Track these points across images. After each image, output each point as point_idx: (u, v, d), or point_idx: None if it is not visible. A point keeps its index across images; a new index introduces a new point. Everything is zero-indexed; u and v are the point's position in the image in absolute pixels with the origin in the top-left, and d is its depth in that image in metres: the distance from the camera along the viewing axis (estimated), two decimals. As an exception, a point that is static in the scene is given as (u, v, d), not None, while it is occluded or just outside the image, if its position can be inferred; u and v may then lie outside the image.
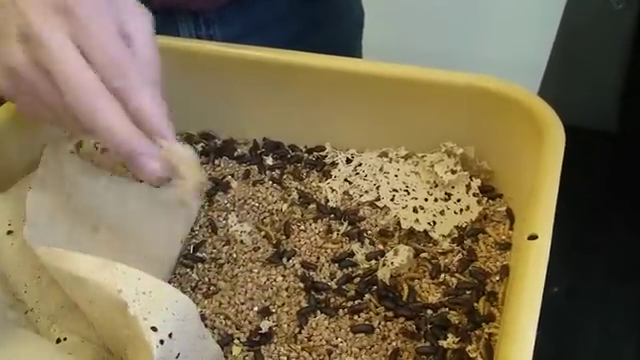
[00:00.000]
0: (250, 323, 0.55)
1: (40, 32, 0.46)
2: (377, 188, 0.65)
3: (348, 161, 0.68)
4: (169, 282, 0.58)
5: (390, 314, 0.54)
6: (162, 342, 0.43)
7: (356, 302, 0.56)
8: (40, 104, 0.48)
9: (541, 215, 0.49)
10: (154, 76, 0.49)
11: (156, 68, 0.50)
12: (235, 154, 0.70)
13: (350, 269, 0.58)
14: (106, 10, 0.47)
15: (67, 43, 0.46)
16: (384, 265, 0.57)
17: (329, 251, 0.60)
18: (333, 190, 0.66)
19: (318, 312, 0.55)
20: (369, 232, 0.62)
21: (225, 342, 0.53)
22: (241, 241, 0.61)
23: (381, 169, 0.67)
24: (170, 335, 0.44)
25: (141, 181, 0.59)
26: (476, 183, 0.64)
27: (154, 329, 0.43)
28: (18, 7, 0.47)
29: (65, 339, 0.53)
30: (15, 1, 0.47)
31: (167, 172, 0.49)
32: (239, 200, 0.65)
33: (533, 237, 0.47)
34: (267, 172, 0.68)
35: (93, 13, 0.47)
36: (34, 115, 0.50)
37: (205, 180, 0.54)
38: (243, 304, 0.56)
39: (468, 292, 0.55)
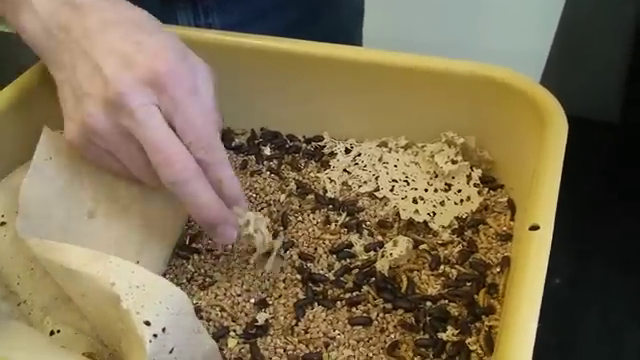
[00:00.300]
0: (246, 315, 0.54)
1: (130, 103, 0.49)
2: (376, 178, 0.64)
3: (347, 151, 0.67)
4: (164, 274, 0.57)
5: (389, 306, 0.53)
6: (155, 336, 0.42)
7: (354, 294, 0.55)
8: (114, 160, 0.52)
9: (543, 205, 0.48)
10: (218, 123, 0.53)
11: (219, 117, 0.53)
12: (232, 144, 0.69)
13: (348, 260, 0.57)
14: (189, 79, 0.51)
15: (157, 115, 0.49)
16: (383, 256, 0.56)
17: (327, 242, 0.59)
18: (332, 180, 0.65)
19: (315, 304, 0.54)
20: (368, 223, 0.61)
21: (221, 334, 0.52)
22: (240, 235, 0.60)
23: (380, 159, 0.66)
24: (164, 329, 0.43)
25: None
26: (477, 173, 0.63)
27: (147, 323, 0.42)
28: (105, 75, 0.49)
29: (59, 331, 0.52)
30: (101, 68, 0.50)
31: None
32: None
33: (535, 227, 0.46)
34: (265, 162, 0.67)
35: (180, 85, 0.50)
36: (101, 164, 0.54)
37: (272, 240, 0.57)
38: (239, 296, 0.55)
39: (468, 284, 0.54)
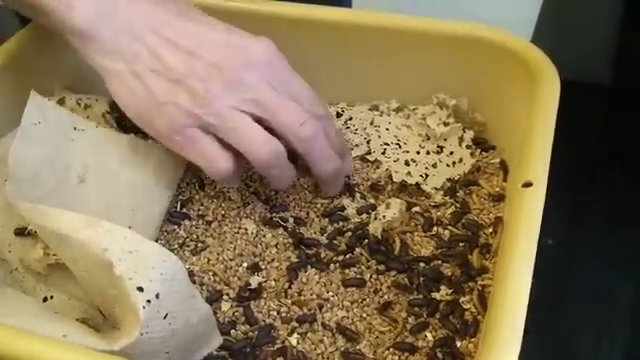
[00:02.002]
0: (239, 279, 0.54)
1: (244, 74, 0.51)
2: (368, 142, 0.64)
3: (338, 115, 0.67)
4: (156, 239, 0.57)
5: (382, 267, 0.53)
6: (149, 302, 0.42)
7: (347, 256, 0.55)
8: (213, 145, 0.52)
9: (535, 162, 0.48)
10: None
11: None
12: (222, 110, 0.68)
13: (341, 223, 0.57)
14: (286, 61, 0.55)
15: (270, 89, 0.52)
16: (375, 219, 0.55)
17: (319, 206, 0.59)
18: (323, 145, 0.64)
19: (308, 267, 0.54)
20: (360, 186, 0.60)
21: (214, 298, 0.52)
22: (229, 198, 0.59)
23: (372, 123, 0.65)
24: (157, 295, 0.43)
25: (127, 133, 0.57)
26: (469, 135, 0.62)
27: (140, 289, 0.42)
28: (210, 61, 0.51)
29: (52, 297, 0.52)
30: (200, 54, 0.51)
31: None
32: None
33: (527, 184, 0.46)
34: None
35: (285, 62, 0.54)
36: (187, 152, 0.53)
37: None
38: (232, 260, 0.55)
39: (461, 244, 0.54)
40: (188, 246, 0.56)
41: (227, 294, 0.53)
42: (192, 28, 0.52)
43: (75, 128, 0.55)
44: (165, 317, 0.43)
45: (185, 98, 0.50)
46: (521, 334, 0.38)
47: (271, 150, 0.52)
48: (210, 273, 0.54)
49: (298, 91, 0.54)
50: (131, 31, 0.51)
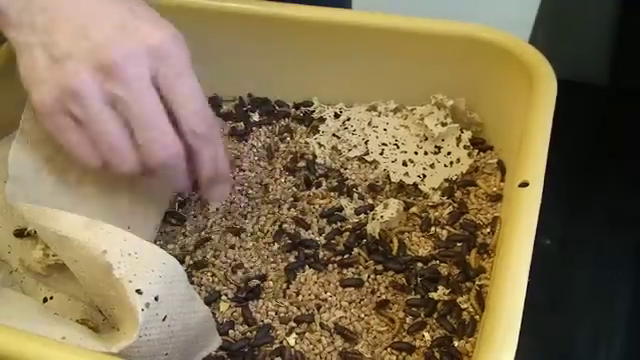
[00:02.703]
0: (237, 279, 0.54)
1: (127, 72, 0.46)
2: (366, 142, 0.64)
3: (336, 116, 0.67)
4: (154, 240, 0.57)
5: (380, 267, 0.54)
6: (148, 305, 0.42)
7: (345, 256, 0.55)
8: (77, 134, 0.48)
9: (532, 162, 0.48)
10: None
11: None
12: (220, 111, 0.69)
13: (339, 224, 0.57)
14: (186, 50, 0.49)
15: (153, 89, 0.47)
16: (374, 219, 0.56)
17: (317, 207, 0.59)
18: (321, 145, 0.64)
19: (307, 267, 0.54)
20: (358, 187, 0.60)
21: (212, 299, 0.52)
22: (227, 199, 0.60)
23: (370, 123, 0.65)
24: (156, 298, 0.43)
25: None
26: (467, 135, 0.62)
27: (139, 292, 0.42)
28: (94, 38, 0.46)
29: (52, 298, 0.52)
30: (88, 29, 0.46)
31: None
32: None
33: (524, 184, 0.46)
34: (254, 128, 0.66)
35: (182, 56, 0.48)
36: (58, 137, 0.49)
37: None
38: (230, 260, 0.55)
39: (459, 244, 0.55)
40: (186, 247, 0.56)
41: (225, 294, 0.53)
42: (93, 3, 0.48)
43: None
44: (164, 319, 0.44)
45: (55, 80, 0.47)
46: (517, 333, 0.39)
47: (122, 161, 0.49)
48: (208, 274, 0.54)
49: (185, 92, 0.48)
50: (36, 3, 0.48)
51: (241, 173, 0.62)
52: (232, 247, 0.56)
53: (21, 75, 0.48)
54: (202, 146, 0.50)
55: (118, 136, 0.47)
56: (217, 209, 0.59)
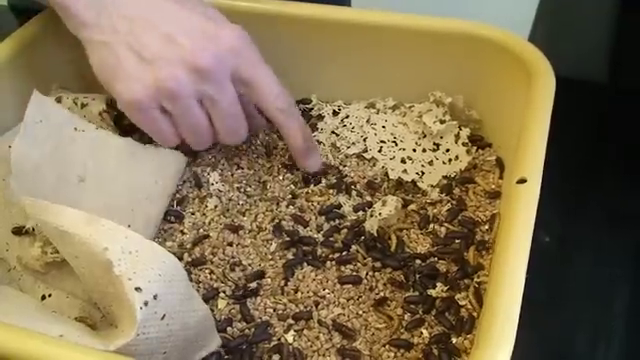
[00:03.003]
0: (235, 277, 0.54)
1: (218, 74, 0.54)
2: (364, 140, 0.64)
3: (335, 113, 0.67)
4: (154, 238, 0.57)
5: (378, 265, 0.53)
6: (146, 304, 0.42)
7: (343, 253, 0.55)
8: (168, 125, 0.56)
9: (529, 159, 0.48)
10: None
11: None
12: (219, 109, 0.69)
13: (337, 221, 0.57)
14: (258, 50, 0.57)
15: (231, 83, 0.55)
16: (372, 216, 0.56)
17: (315, 204, 0.59)
18: (320, 143, 0.64)
19: (305, 264, 0.54)
20: (357, 184, 0.60)
21: (210, 295, 0.52)
22: (225, 196, 0.60)
23: (368, 120, 0.65)
24: (155, 296, 0.43)
25: (126, 136, 0.58)
26: (465, 132, 0.62)
27: (138, 290, 0.42)
28: (182, 44, 0.53)
29: (50, 295, 0.52)
30: (174, 36, 0.53)
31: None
32: (221, 155, 0.63)
33: (522, 181, 0.46)
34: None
35: (256, 51, 0.56)
36: (150, 129, 0.56)
37: None
38: (228, 258, 0.55)
39: (457, 241, 0.55)
40: (184, 244, 0.56)
41: (224, 292, 0.53)
42: (173, 11, 0.55)
43: (76, 129, 0.56)
44: (163, 318, 0.43)
45: (150, 78, 0.53)
46: (515, 329, 0.39)
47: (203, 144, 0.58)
48: (206, 271, 0.54)
49: (264, 79, 0.56)
50: (114, 8, 0.54)
51: (239, 171, 0.62)
52: (230, 244, 0.56)
53: (96, 70, 0.54)
54: (289, 120, 0.58)
55: (204, 126, 0.56)
56: (215, 206, 0.59)
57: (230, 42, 0.54)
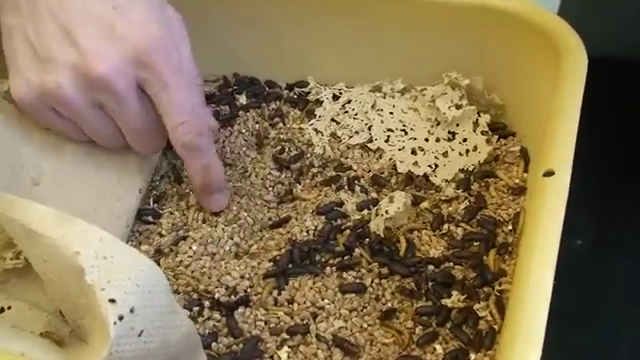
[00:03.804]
0: (221, 285, 0.54)
1: (114, 85, 0.52)
2: (369, 128, 0.64)
3: (335, 98, 0.67)
4: (127, 240, 0.57)
5: (385, 271, 0.54)
6: (121, 318, 0.42)
7: (345, 258, 0.55)
8: (70, 125, 0.55)
9: (558, 148, 0.48)
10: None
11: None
12: (202, 93, 0.69)
13: (338, 221, 0.58)
14: (175, 51, 0.54)
15: (139, 97, 0.54)
16: (378, 215, 0.56)
17: (313, 201, 0.60)
18: (318, 132, 0.65)
19: (301, 270, 0.54)
20: (360, 179, 0.61)
21: (192, 306, 0.53)
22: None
23: (373, 106, 0.66)
24: (132, 309, 0.43)
25: None
26: (485, 119, 0.63)
27: (113, 301, 0.42)
28: (79, 44, 0.51)
29: (9, 308, 0.52)
30: (74, 35, 0.52)
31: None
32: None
33: (549, 173, 0.46)
34: (240, 113, 0.67)
35: (168, 62, 0.53)
36: (51, 126, 0.56)
37: None
38: (213, 263, 0.55)
39: (476, 244, 0.55)
40: (162, 248, 0.57)
41: (208, 302, 0.53)
42: (82, 3, 0.53)
43: (26, 125, 0.56)
44: (140, 334, 0.43)
45: (37, 80, 0.52)
46: (541, 343, 0.39)
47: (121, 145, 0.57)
48: (188, 277, 0.54)
49: (170, 100, 0.54)
50: None
51: (226, 164, 0.62)
52: (215, 248, 0.56)
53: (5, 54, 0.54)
54: (190, 157, 0.56)
55: (109, 133, 0.56)
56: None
57: (137, 47, 0.52)
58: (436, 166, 0.60)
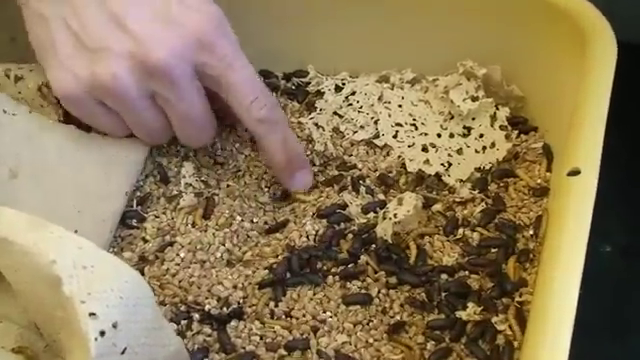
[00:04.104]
0: (212, 295, 0.54)
1: (172, 72, 0.53)
2: (375, 122, 0.64)
3: (338, 89, 0.68)
4: (108, 246, 0.58)
5: (393, 280, 0.54)
6: (103, 334, 0.42)
7: (349, 266, 0.55)
8: (114, 120, 0.57)
9: (585, 145, 0.48)
10: None
11: None
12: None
13: (341, 225, 0.58)
14: (232, 31, 0.56)
15: (198, 86, 0.56)
16: (385, 219, 0.56)
17: (314, 203, 0.60)
18: (319, 127, 0.65)
19: (300, 280, 0.55)
20: (366, 178, 0.61)
21: (180, 319, 0.53)
22: (205, 198, 0.60)
23: (380, 98, 0.66)
24: (114, 325, 0.43)
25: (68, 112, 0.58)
26: (503, 113, 0.63)
27: (93, 316, 0.42)
28: (132, 30, 0.53)
29: (-23, 321, 0.52)
30: (123, 19, 0.53)
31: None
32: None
33: (575, 173, 0.47)
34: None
35: (230, 42, 0.55)
36: (91, 122, 0.58)
37: None
38: (202, 271, 0.56)
39: (493, 251, 0.55)
40: (147, 255, 0.57)
41: (197, 314, 0.53)
42: None
43: (5, 111, 0.56)
44: (123, 352, 0.44)
45: (85, 71, 0.53)
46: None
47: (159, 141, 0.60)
48: (175, 288, 0.55)
49: (238, 78, 0.56)
50: None
51: (217, 162, 0.63)
52: (204, 255, 0.57)
53: (34, 49, 0.56)
54: (267, 132, 0.58)
55: (157, 127, 0.57)
56: (186, 207, 0.59)
57: (196, 32, 0.54)
58: (449, 165, 0.61)
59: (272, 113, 0.58)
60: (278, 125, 0.59)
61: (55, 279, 0.43)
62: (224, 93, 0.56)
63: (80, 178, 0.57)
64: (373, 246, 0.56)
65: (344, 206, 0.59)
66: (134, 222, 0.59)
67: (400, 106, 0.65)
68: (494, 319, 0.51)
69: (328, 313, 0.53)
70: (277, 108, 0.59)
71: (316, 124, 0.65)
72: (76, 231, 0.54)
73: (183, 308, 0.54)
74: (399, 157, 0.62)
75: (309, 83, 0.68)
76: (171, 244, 0.57)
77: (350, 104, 0.66)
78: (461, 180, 0.60)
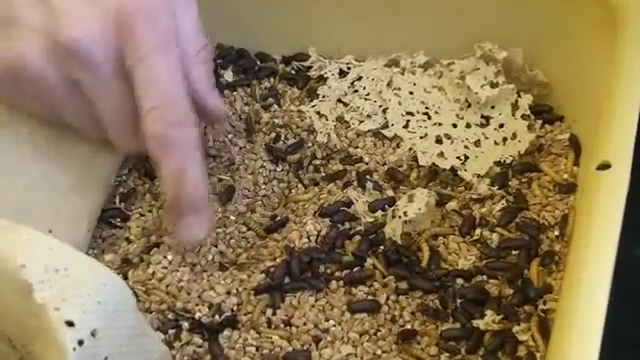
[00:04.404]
0: (203, 302, 0.54)
1: (93, 56, 0.51)
2: (384, 111, 0.65)
3: (342, 74, 0.68)
4: (87, 248, 0.58)
5: (403, 285, 0.54)
6: (81, 343, 0.43)
7: (354, 270, 0.55)
8: (37, 103, 0.54)
9: (616, 136, 0.48)
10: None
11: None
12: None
13: (346, 224, 0.58)
14: (165, 15, 0.53)
15: (121, 73, 0.52)
16: (394, 217, 0.56)
17: (315, 201, 0.60)
18: (322, 115, 0.65)
19: (300, 285, 0.55)
20: (373, 173, 0.61)
21: (168, 328, 0.53)
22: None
23: (389, 84, 0.66)
24: (93, 333, 0.43)
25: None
26: (526, 100, 0.63)
27: (70, 324, 0.43)
28: (54, 5, 0.51)
29: (-57, 333, 0.53)
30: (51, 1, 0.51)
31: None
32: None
33: (604, 167, 0.47)
34: (225, 92, 0.67)
35: (152, 30, 0.52)
36: (13, 104, 0.56)
37: None
38: (192, 276, 0.56)
39: (514, 253, 0.55)
40: (130, 257, 0.57)
41: (186, 323, 0.53)
42: None
43: None
44: None
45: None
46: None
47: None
48: (162, 293, 0.55)
49: (144, 82, 0.52)
50: None
51: (209, 158, 0.63)
52: (193, 257, 0.57)
53: None
54: (159, 153, 0.53)
55: (83, 119, 0.55)
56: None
57: (117, 10, 0.51)
58: (466, 158, 0.61)
59: (171, 132, 0.52)
60: (175, 149, 0.53)
61: (25, 285, 0.43)
62: (135, 91, 0.52)
63: (54, 169, 0.57)
64: (381, 248, 0.56)
65: (349, 204, 0.59)
66: (117, 221, 0.59)
67: (411, 93, 0.65)
68: (515, 329, 0.51)
69: (331, 322, 0.53)
70: (184, 129, 0.53)
71: (318, 113, 0.65)
72: (50, 231, 0.54)
73: (171, 316, 0.54)
74: (410, 149, 0.62)
75: (310, 67, 0.69)
76: (157, 245, 0.58)
77: (356, 91, 0.66)
78: (479, 175, 0.60)
